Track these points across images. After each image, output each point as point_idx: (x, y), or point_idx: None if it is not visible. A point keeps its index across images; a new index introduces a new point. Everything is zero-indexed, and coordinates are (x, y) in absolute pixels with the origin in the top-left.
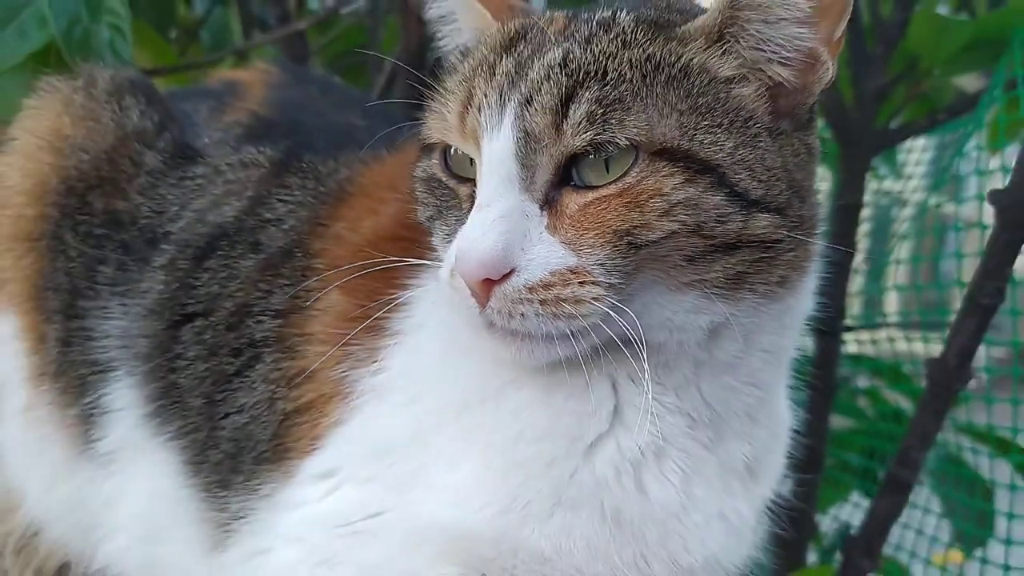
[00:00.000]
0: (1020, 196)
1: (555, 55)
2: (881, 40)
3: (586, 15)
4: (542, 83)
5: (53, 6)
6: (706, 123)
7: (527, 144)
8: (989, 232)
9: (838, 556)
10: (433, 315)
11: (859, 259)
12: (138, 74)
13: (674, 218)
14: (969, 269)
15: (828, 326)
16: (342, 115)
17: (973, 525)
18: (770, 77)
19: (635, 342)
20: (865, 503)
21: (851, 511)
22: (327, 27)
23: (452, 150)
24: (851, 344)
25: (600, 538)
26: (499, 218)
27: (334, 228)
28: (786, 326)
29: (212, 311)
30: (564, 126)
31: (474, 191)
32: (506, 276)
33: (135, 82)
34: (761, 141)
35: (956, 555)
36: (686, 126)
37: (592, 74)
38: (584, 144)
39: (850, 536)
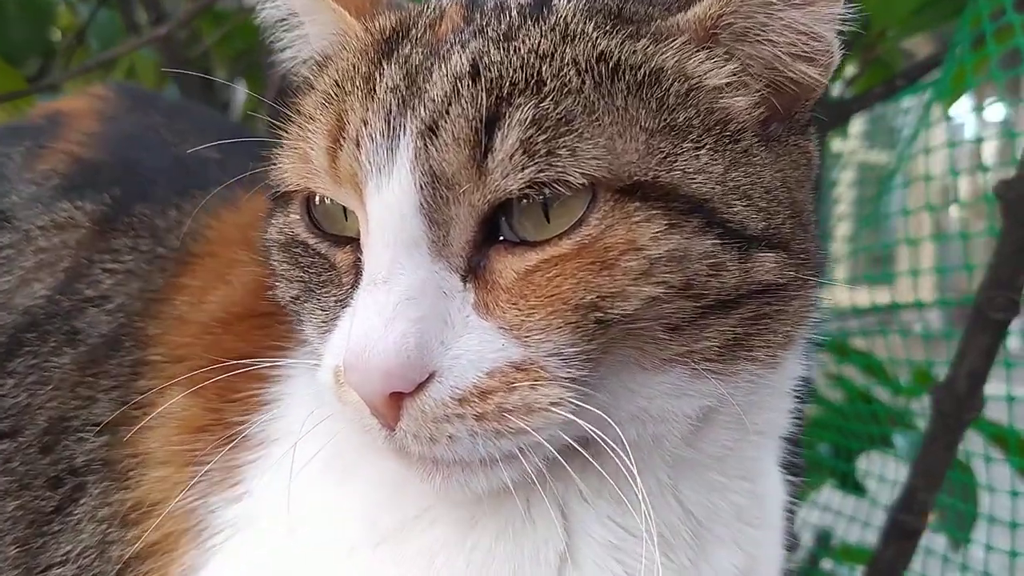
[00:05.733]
0: None
1: (461, 60)
2: None
3: (495, 1)
4: (449, 102)
5: None
6: (688, 145)
7: (435, 192)
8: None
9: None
10: (309, 416)
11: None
12: None
13: (655, 279)
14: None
15: None
16: (192, 146)
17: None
18: (789, 78)
19: (600, 442)
20: (837, 499)
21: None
22: (220, 19)
23: (316, 199)
24: None
25: None
26: (405, 300)
27: (174, 305)
28: (784, 395)
29: (20, 430)
30: (488, 163)
31: (359, 258)
32: (422, 385)
33: None
34: (755, 156)
35: None
36: (660, 151)
37: (521, 84)
38: (521, 186)
39: None
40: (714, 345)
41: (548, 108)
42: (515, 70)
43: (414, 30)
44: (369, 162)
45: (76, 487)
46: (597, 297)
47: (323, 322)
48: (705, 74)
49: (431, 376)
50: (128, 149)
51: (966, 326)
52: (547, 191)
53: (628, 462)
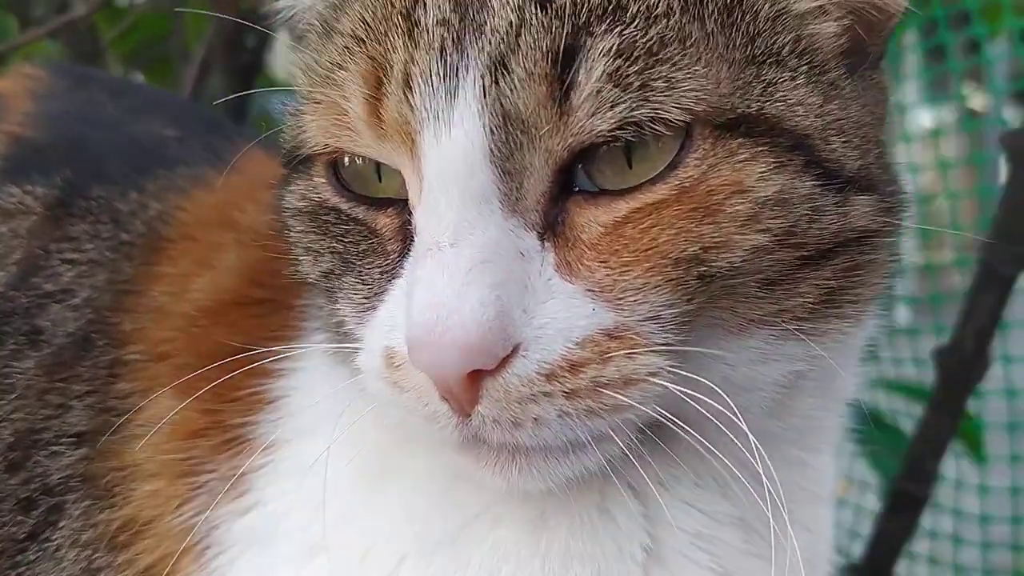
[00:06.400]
0: None
1: None
2: None
3: None
4: (517, 32)
5: None
6: (787, 75)
7: (508, 136)
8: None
9: None
10: (328, 412)
11: None
12: None
13: (761, 226)
14: None
15: None
16: (145, 125)
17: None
18: (872, 3)
19: (679, 421)
20: None
21: None
22: (117, 15)
23: (346, 160)
24: None
25: None
26: (480, 264)
27: (151, 296)
28: (859, 355)
29: None
30: (572, 100)
31: (407, 221)
32: (505, 360)
33: None
34: (843, 89)
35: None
36: (761, 80)
37: (600, 7)
38: (611, 126)
39: (853, 566)
40: (807, 301)
41: (635, 35)
42: None
43: None
44: (425, 107)
45: (53, 508)
46: (700, 248)
47: (365, 298)
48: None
49: (514, 350)
50: (74, 128)
51: (972, 284)
52: (643, 131)
53: (745, 437)
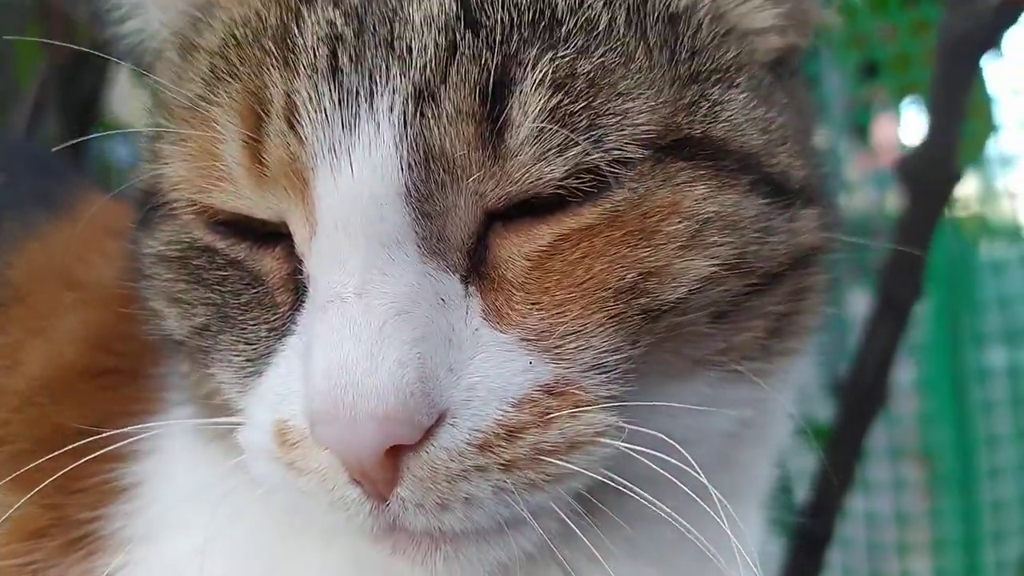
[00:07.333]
0: (933, 157)
1: None
2: None
3: None
4: (447, 60)
5: None
6: (731, 92)
7: (430, 175)
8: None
9: None
10: (198, 501)
11: None
12: None
13: (707, 251)
14: None
15: None
16: None
17: None
18: (808, 19)
19: (625, 481)
20: None
21: None
22: None
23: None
24: None
25: None
26: (395, 317)
27: None
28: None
29: None
30: (507, 141)
31: (298, 268)
32: (429, 431)
33: None
34: (780, 96)
35: None
36: (706, 99)
37: (533, 28)
38: (564, 175)
39: None
40: (756, 336)
41: (574, 58)
42: (521, 8)
43: None
44: (317, 140)
45: None
46: (639, 275)
47: (248, 360)
48: (745, 15)
49: (440, 417)
50: None
51: (870, 313)
52: (601, 176)
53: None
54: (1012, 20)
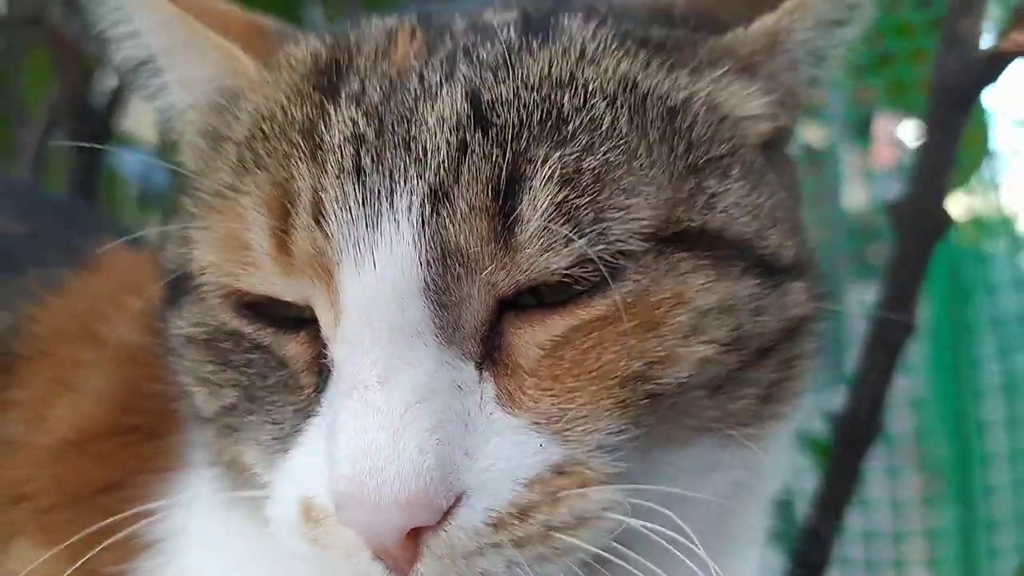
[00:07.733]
0: (923, 201)
1: (454, 97)
2: None
3: (466, 21)
4: (458, 160)
5: None
6: (726, 182)
7: (447, 270)
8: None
9: None
10: (222, 557)
11: None
12: None
13: (707, 336)
14: None
15: None
16: None
17: None
18: (800, 101)
19: (627, 550)
20: None
21: None
22: None
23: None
24: None
25: None
26: (415, 405)
27: (1, 427)
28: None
29: None
30: (517, 235)
31: (323, 352)
32: (448, 512)
33: None
34: (769, 177)
35: None
36: (704, 191)
37: (541, 126)
38: (569, 264)
39: None
40: (750, 403)
41: (580, 156)
42: (528, 106)
43: (359, 59)
44: (343, 236)
45: None
46: (646, 365)
47: (275, 438)
48: (737, 105)
49: (457, 499)
50: None
51: (863, 351)
52: (606, 265)
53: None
54: (1003, 69)
